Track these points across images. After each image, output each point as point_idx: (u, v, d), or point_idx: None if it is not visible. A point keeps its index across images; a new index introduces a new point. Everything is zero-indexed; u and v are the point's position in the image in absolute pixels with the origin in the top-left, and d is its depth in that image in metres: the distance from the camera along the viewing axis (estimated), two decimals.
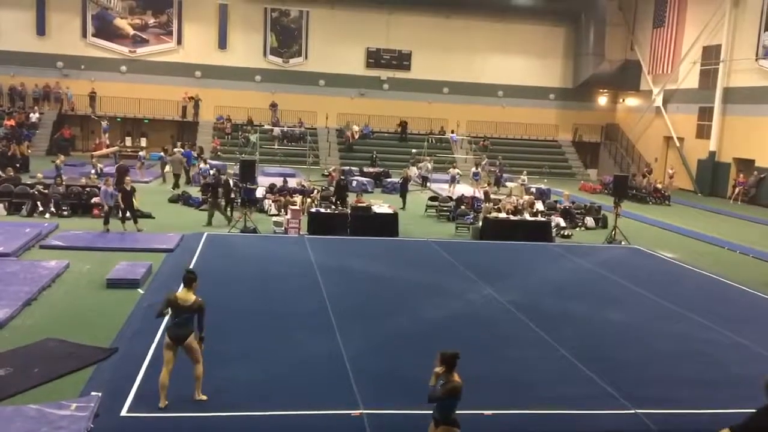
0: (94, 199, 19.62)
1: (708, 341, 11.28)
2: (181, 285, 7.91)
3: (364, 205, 20.03)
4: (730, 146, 33.74)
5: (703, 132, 35.57)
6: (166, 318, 7.94)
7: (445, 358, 6.24)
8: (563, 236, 20.83)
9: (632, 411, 8.25)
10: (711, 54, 34.91)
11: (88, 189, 20.60)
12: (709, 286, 15.46)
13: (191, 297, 7.65)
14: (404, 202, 24.34)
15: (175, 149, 30.35)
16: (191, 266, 14.10)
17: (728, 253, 19.74)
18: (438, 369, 6.22)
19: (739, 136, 33.02)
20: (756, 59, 31.75)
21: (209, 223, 19.27)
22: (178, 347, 7.63)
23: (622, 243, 19.65)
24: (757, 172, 31.85)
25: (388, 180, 30.04)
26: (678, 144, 37.33)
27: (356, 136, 39.27)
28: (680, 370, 9.88)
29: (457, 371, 6.21)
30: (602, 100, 43.66)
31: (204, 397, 7.80)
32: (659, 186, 31.75)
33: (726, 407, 8.51)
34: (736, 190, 32.32)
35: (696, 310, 12.92)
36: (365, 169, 32.25)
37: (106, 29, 38.41)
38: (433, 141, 38.26)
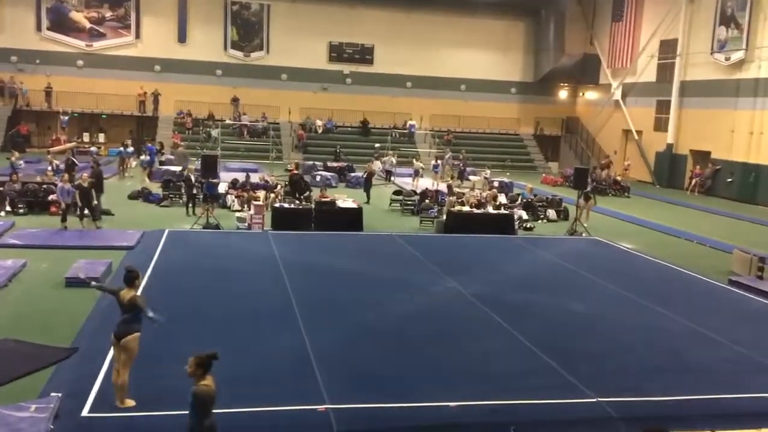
0: (51, 197, 19.22)
1: (666, 330, 11.53)
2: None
3: (328, 199, 19.98)
4: (687, 139, 34.47)
5: (660, 125, 36.27)
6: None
7: (199, 360, 5.80)
8: (526, 229, 21.07)
9: (594, 399, 8.39)
10: (668, 48, 35.59)
11: (44, 186, 20.18)
12: (667, 275, 15.79)
13: (131, 292, 7.55)
14: (368, 197, 24.35)
15: (180, 144, 30.29)
16: (152, 264, 13.96)
17: (685, 243, 20.18)
18: (189, 370, 5.79)
19: (695, 129, 33.76)
20: (711, 53, 32.46)
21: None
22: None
23: (583, 235, 19.95)
24: (712, 163, 32.60)
25: (352, 174, 30.00)
26: (636, 137, 38.01)
27: (319, 131, 39.13)
28: (640, 359, 10.07)
29: (212, 373, 5.82)
30: (563, 93, 44.21)
31: (132, 402, 7.53)
32: (619, 178, 32.30)
33: (685, 394, 8.74)
34: (693, 181, 33.07)
35: (654, 300, 13.18)
36: (329, 164, 32.15)
37: (61, 22, 37.56)
38: (397, 135, 38.31)
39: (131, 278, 7.64)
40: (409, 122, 40.25)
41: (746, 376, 9.54)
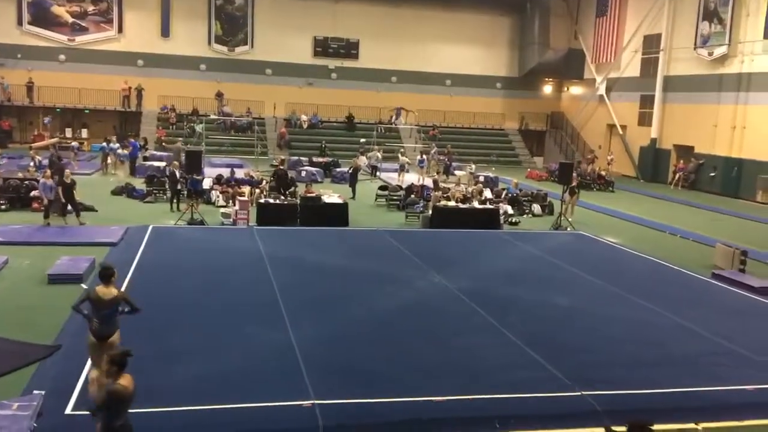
0: (33, 193, 19.03)
1: (650, 323, 11.61)
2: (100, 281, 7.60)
3: (314, 195, 19.94)
4: (671, 133, 34.71)
5: (644, 119, 36.49)
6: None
7: (112, 358, 5.65)
8: (511, 223, 21.14)
9: (579, 393, 8.43)
10: (652, 43, 35.79)
11: (26, 182, 19.97)
12: (651, 269, 15.90)
13: (113, 291, 7.42)
14: (354, 192, 24.31)
15: (179, 140, 30.65)
16: (136, 260, 13.87)
17: (669, 237, 20.32)
18: (104, 368, 5.67)
19: (678, 124, 33.98)
20: (694, 48, 32.67)
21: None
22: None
23: (568, 229, 20.04)
24: (695, 158, 32.84)
25: (338, 170, 29.94)
26: (621, 131, 38.21)
27: (304, 126, 39.02)
28: (624, 352, 10.15)
29: (128, 372, 5.68)
30: (547, 88, 44.34)
31: None
32: (603, 173, 32.48)
33: (669, 387, 8.81)
34: (677, 176, 33.30)
35: (639, 293, 13.28)
36: (314, 159, 32.08)
37: (43, 17, 37.14)
38: (382, 130, 38.26)
39: (107, 275, 7.51)
40: (394, 112, 39.84)
41: (729, 368, 9.63)
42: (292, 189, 21.67)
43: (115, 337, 7.47)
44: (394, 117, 39.17)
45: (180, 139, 30.56)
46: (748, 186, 29.58)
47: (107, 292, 7.41)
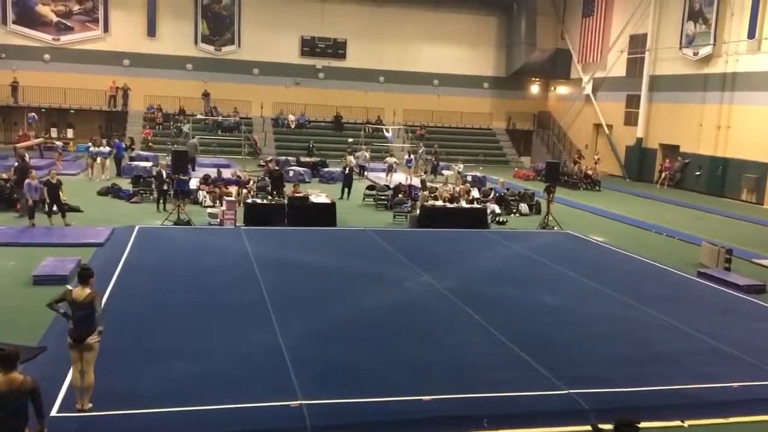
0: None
1: (636, 321, 11.68)
2: (77, 282, 7.59)
3: (302, 195, 19.90)
4: (657, 133, 34.93)
5: (630, 119, 36.69)
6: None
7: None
8: (498, 223, 21.20)
9: (566, 391, 8.47)
10: (637, 43, 35.99)
11: (10, 183, 19.75)
12: (637, 267, 15.98)
13: (87, 291, 7.39)
14: (348, 192, 24.15)
15: (194, 137, 30.61)
16: (122, 260, 13.78)
17: (655, 235, 20.44)
18: None
19: (664, 123, 34.21)
20: (680, 47, 32.89)
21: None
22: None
23: (555, 228, 20.12)
24: (681, 157, 33.07)
25: (325, 170, 29.90)
26: (607, 131, 38.40)
27: (292, 126, 38.93)
28: (610, 350, 10.20)
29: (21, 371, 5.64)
30: (534, 88, 44.48)
31: (90, 405, 7.38)
32: (590, 172, 32.62)
33: (655, 385, 8.86)
34: (663, 175, 33.52)
35: (625, 291, 13.36)
36: (302, 159, 32.01)
37: (27, 16, 36.80)
38: (370, 130, 38.21)
39: (86, 276, 7.49)
40: (386, 132, 39.10)
41: (715, 366, 9.70)
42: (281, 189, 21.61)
43: (93, 339, 7.39)
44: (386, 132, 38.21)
45: (195, 136, 30.42)
46: (733, 185, 29.83)
47: (82, 293, 7.37)
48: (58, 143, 29.39)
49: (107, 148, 26.68)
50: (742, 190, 29.31)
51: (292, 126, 39.19)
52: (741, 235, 20.52)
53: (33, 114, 34.24)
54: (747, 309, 12.91)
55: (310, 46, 40.61)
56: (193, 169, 26.81)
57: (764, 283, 14.35)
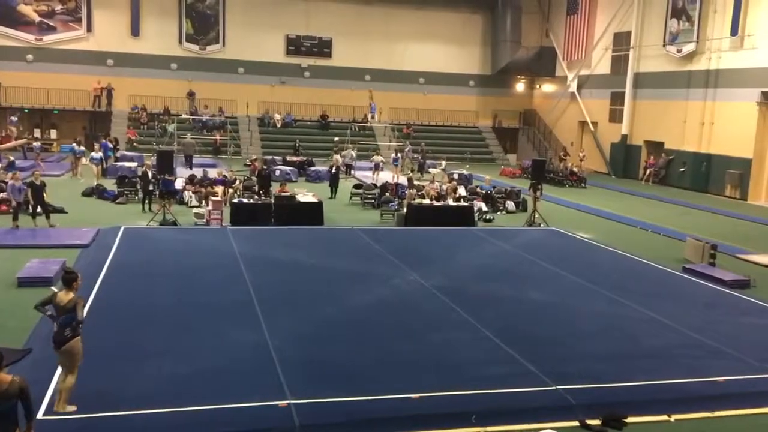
0: (1, 195, 18.69)
1: (622, 316, 11.75)
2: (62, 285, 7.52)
3: (288, 194, 19.84)
4: (641, 129, 35.13)
5: (615, 116, 36.88)
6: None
7: None
8: (485, 220, 21.24)
9: (553, 387, 8.50)
10: (622, 40, 36.18)
11: None
12: (622, 263, 16.08)
13: (70, 296, 7.32)
14: (334, 191, 24.13)
15: (188, 134, 30.74)
16: (108, 261, 13.69)
17: (640, 231, 20.57)
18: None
19: (649, 120, 34.42)
20: (663, 45, 33.10)
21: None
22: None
23: (541, 225, 20.19)
24: (665, 153, 33.29)
25: (312, 169, 29.84)
26: (592, 128, 38.59)
27: (278, 125, 38.84)
28: (597, 346, 10.25)
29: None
30: (520, 86, 44.61)
31: (73, 407, 7.32)
32: (575, 169, 32.77)
33: (641, 380, 8.90)
34: (647, 171, 33.76)
35: (611, 287, 13.43)
36: (288, 158, 31.93)
37: (8, 16, 36.43)
38: (356, 129, 38.17)
39: (70, 280, 7.42)
40: (370, 106, 39.23)
41: (700, 360, 9.77)
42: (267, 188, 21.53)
43: (74, 342, 7.32)
44: (369, 114, 38.65)
45: (188, 133, 30.23)
46: (717, 181, 30.07)
47: (65, 297, 7.31)
48: (35, 144, 29.09)
49: (99, 154, 25.53)
50: (725, 186, 29.55)
51: (278, 125, 39.08)
52: (725, 231, 20.69)
53: (13, 117, 33.93)
54: (732, 303, 13.01)
55: (295, 45, 40.51)
56: (191, 168, 26.83)
57: (749, 278, 14.46)
